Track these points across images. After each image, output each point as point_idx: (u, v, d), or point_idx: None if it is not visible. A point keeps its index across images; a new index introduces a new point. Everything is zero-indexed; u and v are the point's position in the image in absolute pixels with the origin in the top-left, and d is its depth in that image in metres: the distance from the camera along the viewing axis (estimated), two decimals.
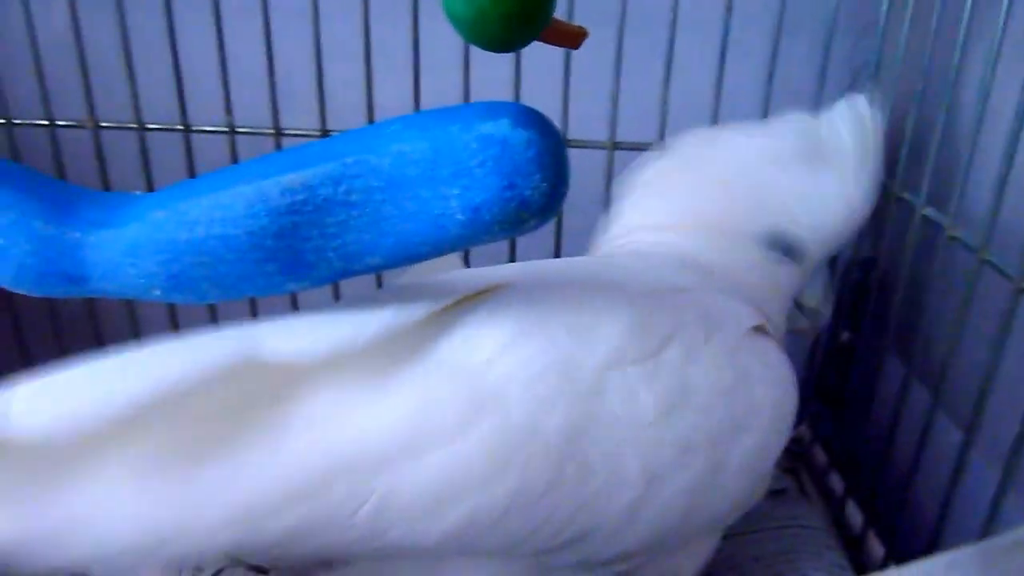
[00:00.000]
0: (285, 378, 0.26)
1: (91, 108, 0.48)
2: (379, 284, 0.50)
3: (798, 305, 0.41)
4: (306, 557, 0.27)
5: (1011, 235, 0.36)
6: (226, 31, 0.45)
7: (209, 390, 0.26)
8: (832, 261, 0.50)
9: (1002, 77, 0.35)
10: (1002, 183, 0.34)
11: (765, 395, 0.31)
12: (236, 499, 0.25)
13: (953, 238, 0.38)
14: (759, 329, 0.33)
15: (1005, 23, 0.35)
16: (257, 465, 0.25)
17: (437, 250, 0.25)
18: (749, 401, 0.31)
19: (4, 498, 0.25)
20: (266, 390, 0.26)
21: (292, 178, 0.24)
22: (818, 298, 0.41)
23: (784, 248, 0.37)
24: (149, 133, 0.48)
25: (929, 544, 0.39)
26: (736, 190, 0.37)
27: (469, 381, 0.27)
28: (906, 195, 0.42)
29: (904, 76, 0.42)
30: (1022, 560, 0.14)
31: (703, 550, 0.33)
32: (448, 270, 0.42)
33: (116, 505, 0.25)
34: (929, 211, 0.40)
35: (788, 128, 0.39)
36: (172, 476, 0.25)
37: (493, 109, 0.24)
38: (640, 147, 0.47)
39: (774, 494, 0.49)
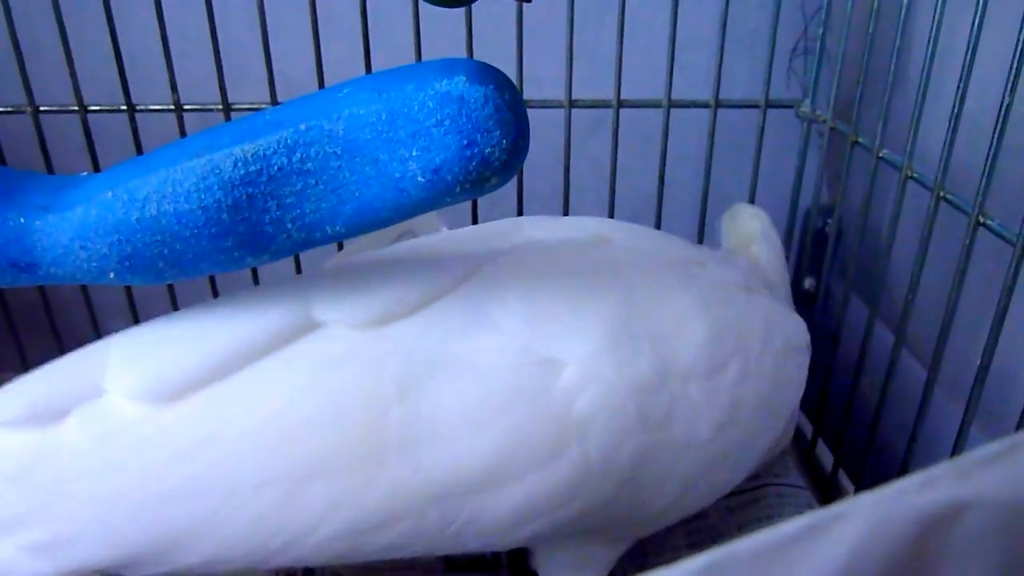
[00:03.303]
0: (380, 402, 0.27)
1: (29, 92, 0.46)
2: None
3: None
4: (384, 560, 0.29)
5: (966, 172, 0.37)
6: (165, 4, 0.44)
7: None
8: (792, 209, 0.50)
9: (951, 11, 0.35)
10: (955, 120, 0.34)
11: (792, 397, 0.35)
12: (341, 518, 0.26)
13: (910, 177, 0.38)
14: None
15: None
16: (359, 491, 0.26)
17: (399, 215, 0.24)
18: (780, 405, 0.34)
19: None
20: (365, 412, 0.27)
21: (244, 148, 0.24)
22: None
23: None
24: (92, 115, 0.47)
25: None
26: None
27: (556, 413, 0.28)
28: (862, 138, 0.42)
29: (855, 18, 0.42)
30: (994, 474, 0.14)
31: None
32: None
33: (248, 509, 0.26)
34: (886, 152, 0.40)
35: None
36: (286, 494, 0.26)
37: (448, 66, 0.23)
38: (597, 105, 0.47)
39: None
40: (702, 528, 0.42)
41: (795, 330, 0.36)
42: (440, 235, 0.36)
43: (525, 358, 0.28)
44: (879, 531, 0.15)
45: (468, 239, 0.34)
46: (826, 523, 0.16)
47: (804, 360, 0.36)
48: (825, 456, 0.49)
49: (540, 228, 0.35)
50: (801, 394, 0.36)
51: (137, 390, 0.27)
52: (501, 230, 0.35)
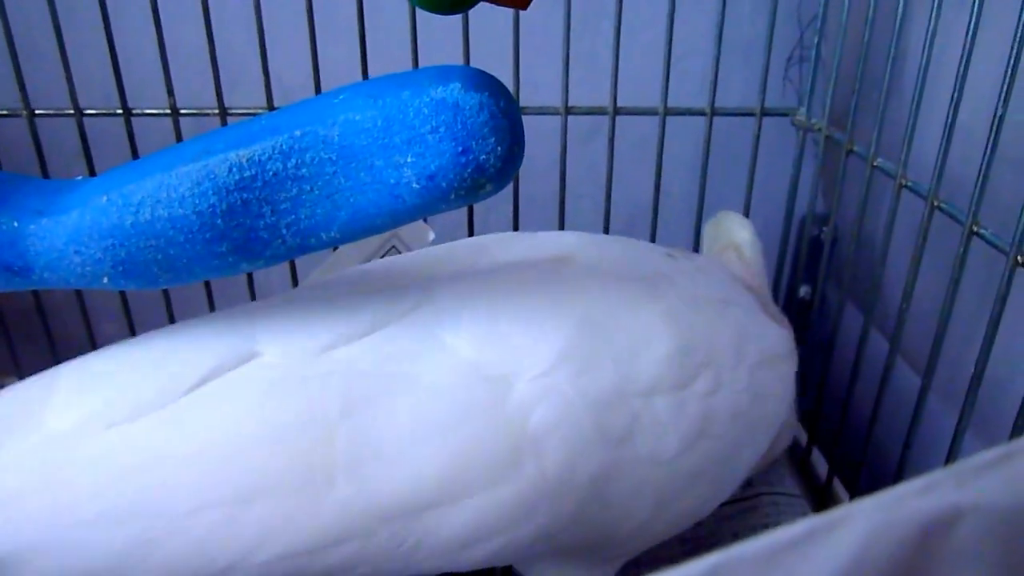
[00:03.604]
0: (324, 421, 0.27)
1: (24, 95, 0.46)
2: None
3: None
4: None
5: (959, 181, 0.37)
6: (162, 8, 0.44)
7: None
8: (787, 216, 0.50)
9: (946, 22, 0.36)
10: (949, 130, 0.34)
11: (775, 410, 0.34)
12: (285, 539, 0.26)
13: (905, 186, 0.38)
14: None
15: None
16: (305, 511, 0.26)
17: (394, 221, 0.24)
18: (759, 417, 0.33)
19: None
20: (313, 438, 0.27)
21: (240, 153, 0.24)
22: None
23: None
24: (87, 119, 0.47)
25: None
26: None
27: (509, 427, 0.27)
28: (857, 147, 0.42)
29: (850, 27, 0.42)
30: (993, 478, 0.14)
31: None
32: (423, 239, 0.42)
33: (186, 533, 0.26)
34: (881, 161, 0.40)
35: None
36: (225, 517, 0.26)
37: (443, 73, 0.23)
38: (593, 112, 0.47)
39: None
40: (697, 536, 0.42)
41: (774, 340, 0.35)
42: (399, 259, 0.36)
43: (476, 375, 0.28)
44: (880, 535, 0.15)
45: (428, 263, 0.34)
46: (828, 527, 0.16)
47: (787, 371, 0.35)
48: (820, 464, 0.49)
49: (506, 249, 0.34)
50: (787, 405, 0.36)
51: (79, 417, 0.27)
52: (465, 252, 0.34)
